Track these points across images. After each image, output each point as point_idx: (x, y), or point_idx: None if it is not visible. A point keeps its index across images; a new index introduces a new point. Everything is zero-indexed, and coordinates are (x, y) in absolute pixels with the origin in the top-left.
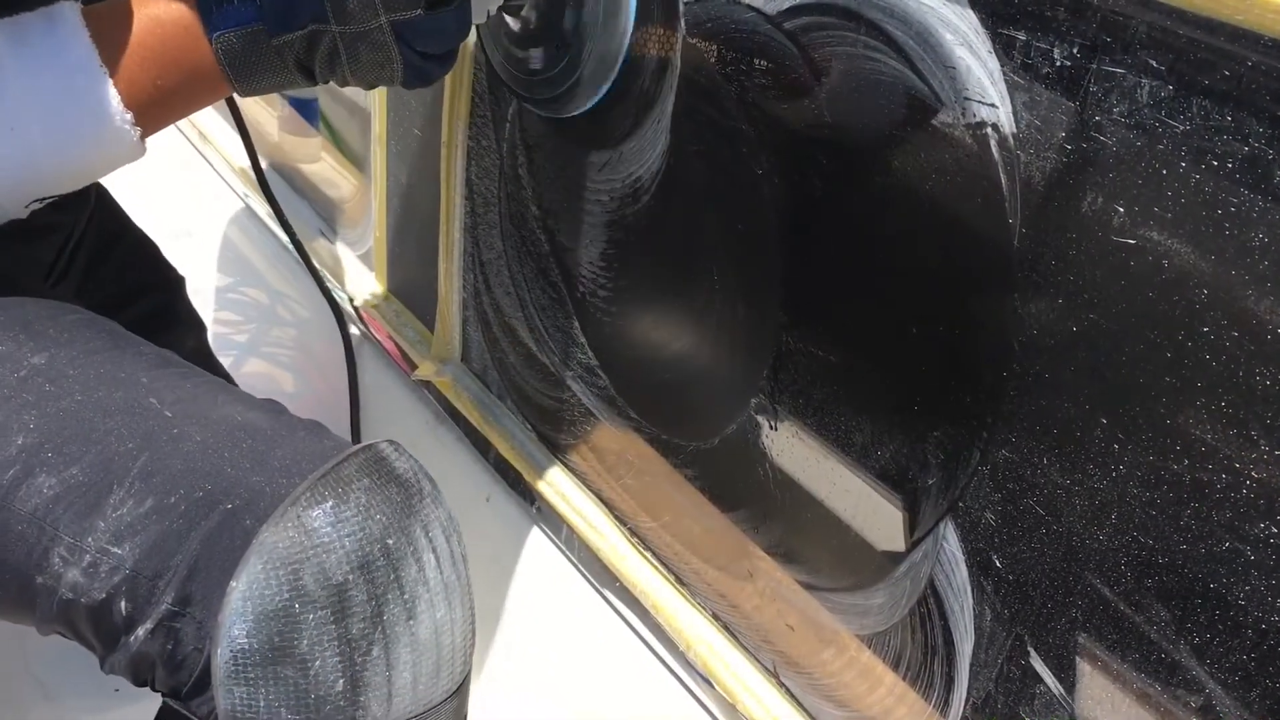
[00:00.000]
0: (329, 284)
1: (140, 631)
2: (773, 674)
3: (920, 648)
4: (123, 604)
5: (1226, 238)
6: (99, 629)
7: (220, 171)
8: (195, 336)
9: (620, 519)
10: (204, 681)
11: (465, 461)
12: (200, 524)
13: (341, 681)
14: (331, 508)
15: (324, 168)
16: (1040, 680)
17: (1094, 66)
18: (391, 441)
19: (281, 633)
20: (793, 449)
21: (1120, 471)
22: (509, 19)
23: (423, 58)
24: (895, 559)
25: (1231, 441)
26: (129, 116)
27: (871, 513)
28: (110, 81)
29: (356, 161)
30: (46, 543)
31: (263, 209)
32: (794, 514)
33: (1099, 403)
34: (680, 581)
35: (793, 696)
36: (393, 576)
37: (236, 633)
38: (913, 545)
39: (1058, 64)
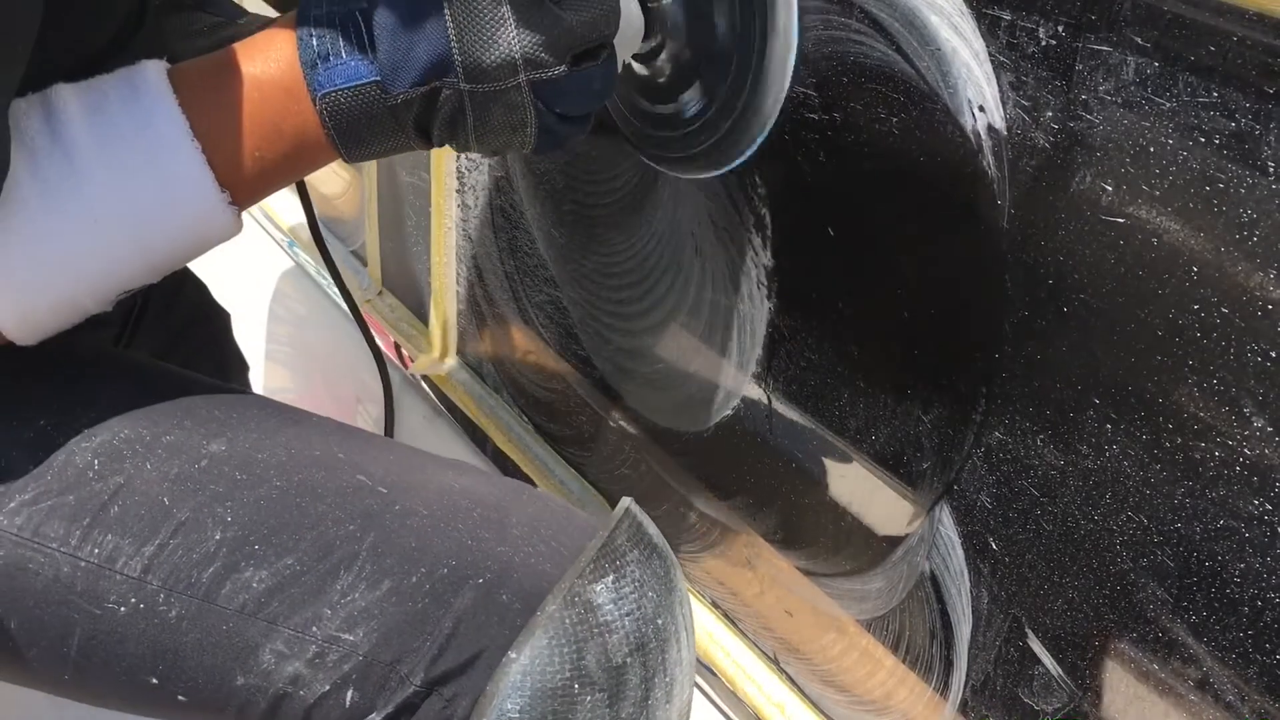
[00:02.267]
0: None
1: (374, 716)
2: (773, 660)
3: (919, 631)
4: (349, 693)
5: (1215, 214)
6: None
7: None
8: (241, 372)
9: None
10: None
11: (463, 455)
12: (451, 602)
13: None
14: (612, 583)
15: None
16: (1038, 661)
17: (1080, 45)
18: (633, 500)
19: (557, 712)
20: (787, 435)
21: (1114, 451)
22: (638, 66)
23: (560, 119)
24: (892, 543)
25: (1224, 419)
26: (225, 195)
27: (867, 497)
28: (204, 158)
29: None
30: (257, 639)
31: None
32: (791, 500)
33: (1091, 383)
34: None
35: (793, 682)
36: (660, 659)
37: (509, 707)
38: (909, 529)
39: (1043, 43)
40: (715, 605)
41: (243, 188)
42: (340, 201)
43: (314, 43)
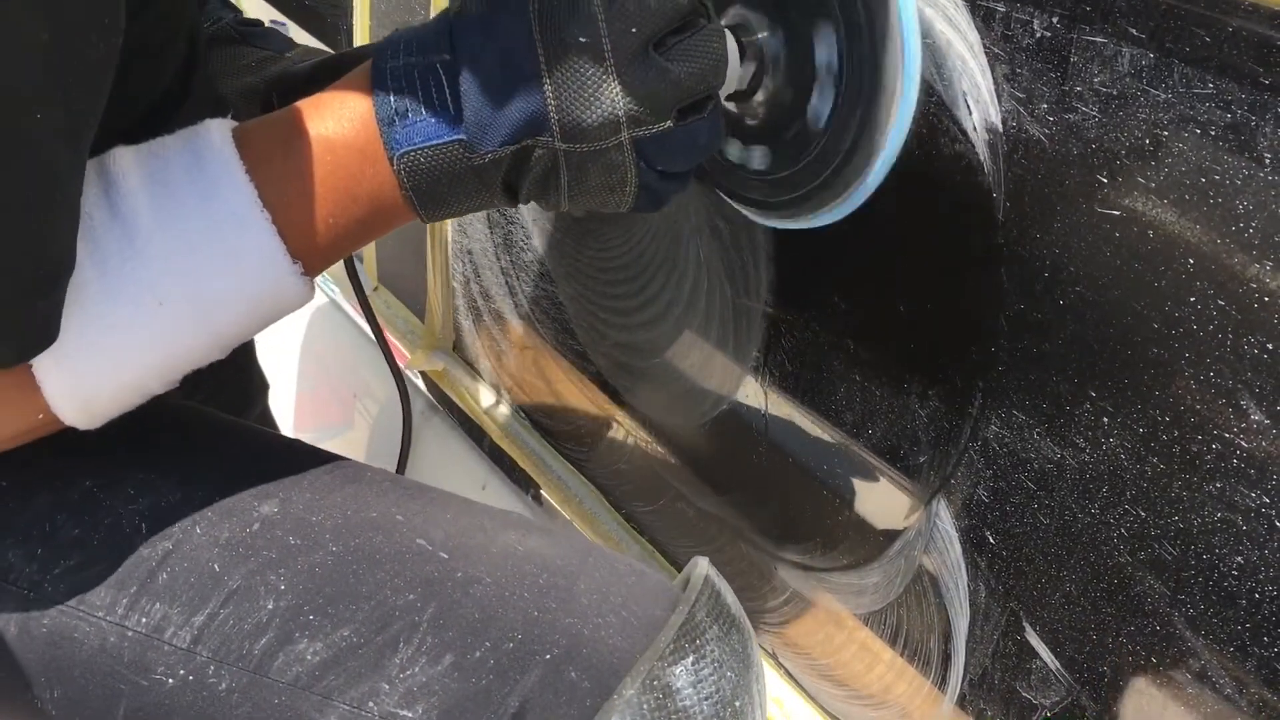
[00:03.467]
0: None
1: None
2: (771, 656)
3: (916, 626)
4: None
5: (1211, 206)
6: None
7: None
8: (262, 393)
9: (616, 504)
10: None
11: (460, 450)
12: (517, 679)
13: None
14: (692, 664)
15: None
16: (1036, 655)
17: (1075, 36)
18: (709, 563)
19: None
20: (784, 429)
21: (1110, 445)
22: (731, 106)
23: (661, 176)
24: (889, 538)
25: (1221, 411)
26: (296, 266)
27: (864, 492)
28: (274, 229)
29: None
30: (311, 714)
31: None
32: (787, 495)
33: (1087, 376)
34: (676, 565)
35: (791, 678)
36: None
37: None
38: (906, 524)
39: (1038, 35)
40: None
41: (315, 256)
42: None
43: (391, 99)
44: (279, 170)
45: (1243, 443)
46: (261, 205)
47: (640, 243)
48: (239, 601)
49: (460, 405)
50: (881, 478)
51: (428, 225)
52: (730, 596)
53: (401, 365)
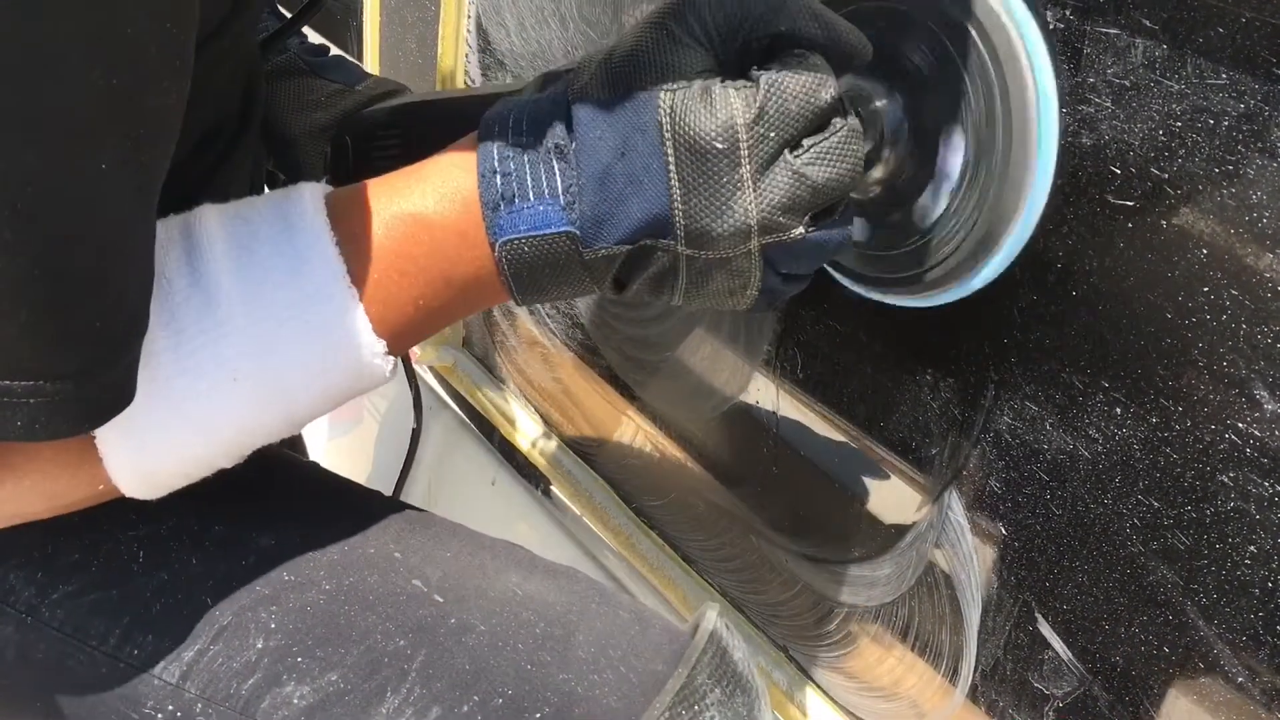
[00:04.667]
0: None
1: None
2: (782, 649)
3: (928, 617)
4: None
5: (1224, 196)
6: None
7: None
8: None
9: (626, 498)
10: None
11: (469, 445)
12: None
13: None
14: None
15: None
16: (1048, 646)
17: (1088, 28)
18: (719, 614)
19: None
20: (795, 423)
21: (1123, 435)
22: None
23: (785, 279)
24: (901, 529)
25: (1234, 401)
26: (380, 347)
27: (876, 484)
28: (361, 308)
29: None
30: None
31: None
32: (798, 487)
33: (1100, 367)
34: (687, 559)
35: (802, 669)
36: None
37: None
38: (918, 515)
39: (1051, 26)
40: (724, 594)
41: (401, 337)
42: None
43: (498, 180)
44: (371, 247)
45: (1256, 432)
46: (349, 283)
47: None
48: (229, 639)
49: (470, 400)
50: (893, 470)
51: None
52: (739, 653)
53: (412, 360)
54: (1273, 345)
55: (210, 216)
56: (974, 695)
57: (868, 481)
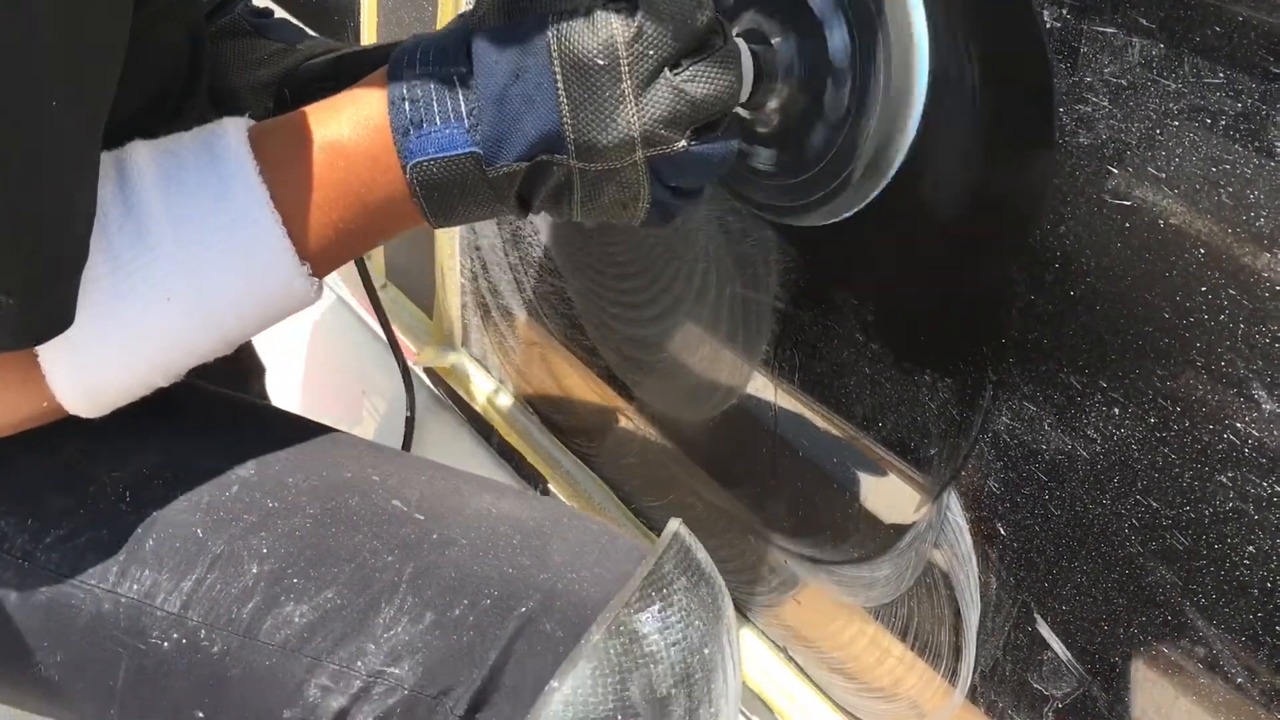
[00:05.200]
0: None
1: None
2: (781, 649)
3: (927, 618)
4: None
5: (1222, 196)
6: None
7: None
8: (259, 377)
9: (625, 499)
10: None
11: (468, 447)
12: (495, 633)
13: None
14: (659, 612)
15: None
16: (1047, 647)
17: (1084, 27)
18: (681, 522)
19: None
20: (794, 423)
21: (1121, 435)
22: (744, 113)
23: (675, 194)
24: (900, 530)
25: (1233, 401)
26: (305, 268)
27: (875, 484)
28: (284, 231)
29: None
30: (301, 675)
31: None
32: (797, 488)
33: (1098, 367)
34: None
35: (802, 671)
36: (706, 689)
37: None
38: (917, 516)
39: (1048, 25)
40: None
41: (324, 258)
42: None
43: (406, 107)
44: (292, 173)
45: (1254, 432)
46: (273, 207)
47: (649, 236)
48: (224, 566)
49: (468, 401)
50: (891, 470)
51: None
52: (702, 554)
53: (409, 362)
54: (1271, 345)
55: (141, 150)
56: (973, 696)
57: (866, 482)
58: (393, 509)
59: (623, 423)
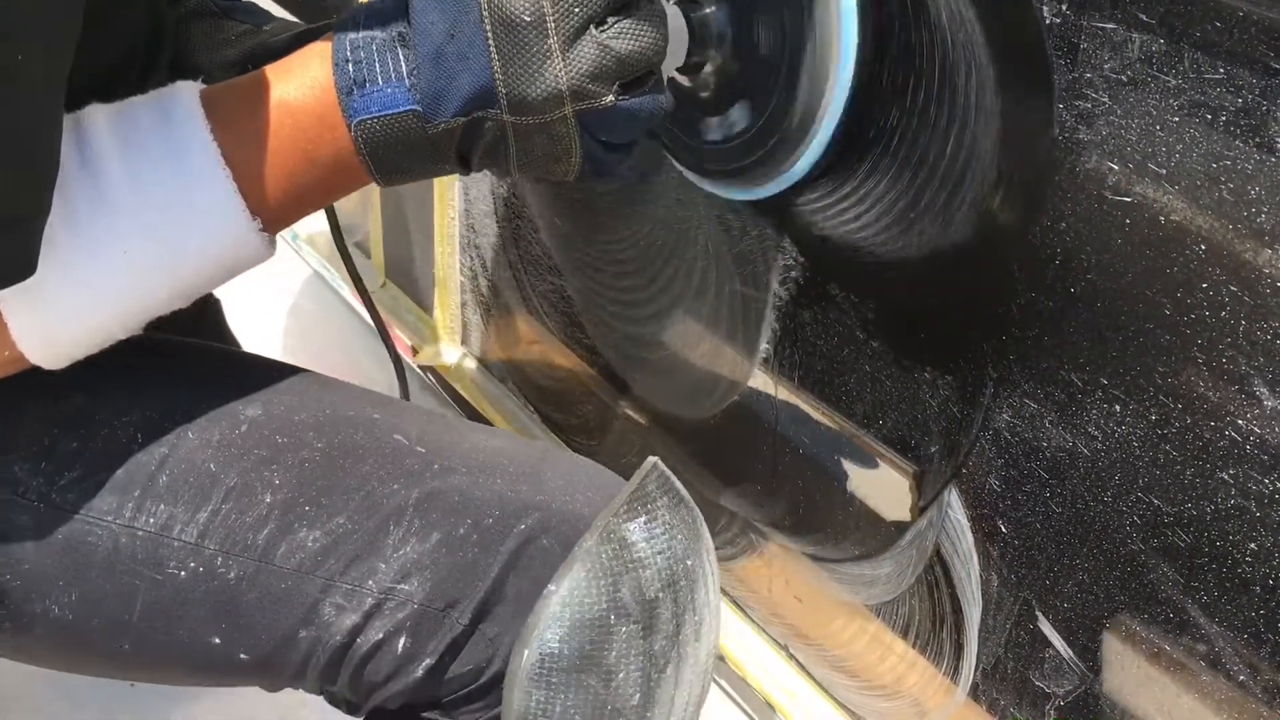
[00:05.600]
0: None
1: (428, 659)
2: (782, 647)
3: (928, 616)
4: (403, 640)
5: (1223, 191)
6: (363, 671)
7: None
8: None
9: None
10: (478, 693)
11: None
12: (498, 549)
13: (638, 695)
14: (644, 523)
15: None
16: (1049, 644)
17: (1084, 23)
18: (659, 460)
19: (594, 641)
20: (794, 420)
21: (1122, 432)
22: (681, 79)
23: (605, 148)
24: (901, 528)
25: (1234, 398)
26: (256, 224)
27: (875, 482)
28: (235, 187)
29: None
30: (315, 595)
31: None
32: (797, 486)
33: (1099, 364)
34: None
35: (803, 669)
36: (690, 597)
37: (549, 637)
38: (918, 514)
39: (1047, 21)
40: (723, 592)
41: (275, 214)
42: None
43: (350, 68)
44: (242, 132)
45: (1256, 429)
46: (224, 164)
47: (649, 235)
48: (238, 497)
49: (468, 399)
50: (893, 468)
51: (435, 220)
52: (680, 485)
53: (407, 358)
54: (1272, 341)
55: (98, 111)
56: (975, 694)
57: (867, 480)
58: (395, 442)
59: (623, 421)
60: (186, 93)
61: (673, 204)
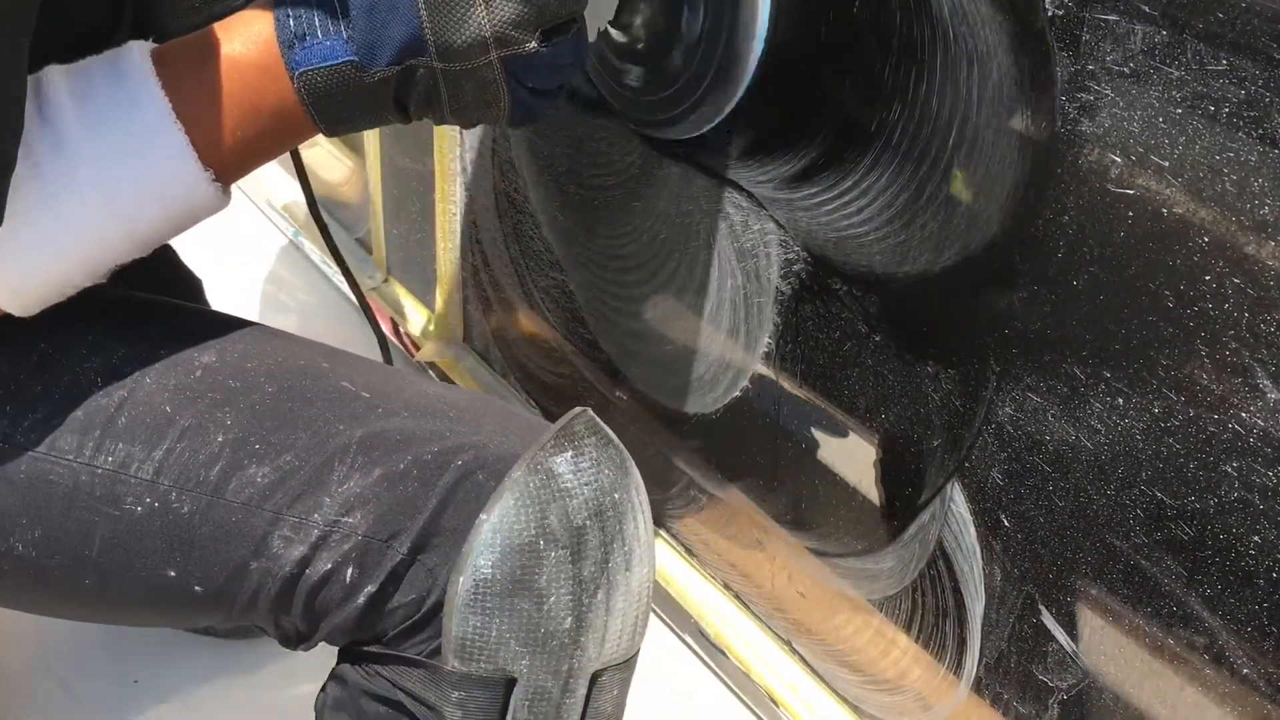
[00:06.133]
0: (359, 285)
1: (370, 588)
2: (786, 642)
3: (931, 610)
4: (350, 571)
5: (1226, 183)
6: (313, 602)
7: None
8: None
9: None
10: (421, 624)
11: None
12: (436, 483)
13: (570, 619)
14: (571, 458)
15: (319, 152)
16: (1053, 638)
17: (1086, 15)
18: (592, 413)
19: (525, 566)
20: (797, 415)
21: (1125, 425)
22: (615, 33)
23: (533, 94)
24: (903, 522)
25: (1237, 390)
26: (208, 174)
27: (878, 476)
28: (187, 139)
29: (352, 144)
30: (265, 528)
31: (262, 199)
32: (800, 480)
33: (1103, 356)
34: (690, 552)
35: (807, 664)
36: (619, 528)
37: (482, 563)
38: (920, 507)
39: (1049, 13)
40: (727, 587)
41: (226, 164)
42: (344, 189)
43: (290, 23)
44: (191, 86)
45: (1259, 422)
46: (175, 118)
47: (651, 229)
48: (192, 436)
49: None
50: (895, 462)
51: (436, 216)
52: (609, 430)
53: (412, 356)
54: (1276, 334)
55: (55, 70)
56: (978, 688)
57: (870, 474)
58: (342, 388)
59: (626, 416)
60: (138, 51)
61: (675, 199)
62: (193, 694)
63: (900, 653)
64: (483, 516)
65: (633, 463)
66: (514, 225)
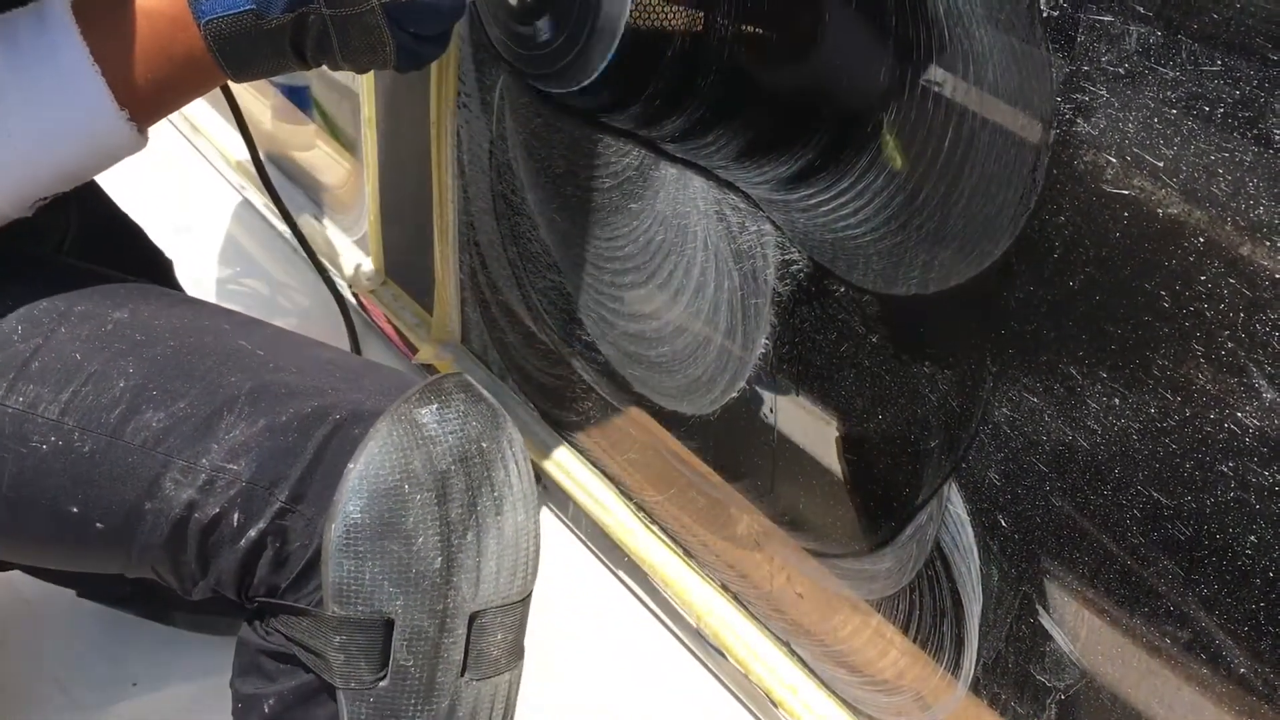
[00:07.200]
0: (330, 274)
1: (252, 532)
2: (784, 643)
3: (929, 610)
4: (236, 515)
5: (1221, 184)
6: (205, 544)
7: (215, 165)
8: None
9: (626, 494)
10: (306, 575)
11: None
12: (314, 433)
13: (439, 559)
14: (437, 409)
15: (318, 154)
16: (1050, 638)
17: (1082, 15)
18: (472, 379)
19: (391, 509)
20: (794, 417)
21: (1122, 425)
22: None
23: (416, 39)
24: (901, 523)
25: (1232, 390)
26: (124, 113)
27: (875, 477)
28: (104, 81)
29: (350, 146)
30: (158, 470)
31: (260, 200)
32: (798, 481)
33: (1099, 357)
34: (688, 554)
35: (805, 664)
36: (486, 474)
37: (351, 509)
38: (918, 508)
39: (1044, 14)
40: (725, 588)
41: (141, 106)
42: (341, 191)
43: None
44: (107, 34)
45: (1255, 422)
46: (92, 61)
47: (648, 231)
48: (97, 381)
49: None
50: (893, 463)
51: (434, 218)
52: (484, 390)
53: (411, 359)
54: (1271, 334)
55: None
56: (976, 688)
57: (867, 475)
58: (239, 346)
59: (623, 418)
60: (59, 3)
61: (672, 201)
62: (192, 695)
63: (898, 653)
64: (350, 465)
65: (509, 420)
66: (511, 227)
